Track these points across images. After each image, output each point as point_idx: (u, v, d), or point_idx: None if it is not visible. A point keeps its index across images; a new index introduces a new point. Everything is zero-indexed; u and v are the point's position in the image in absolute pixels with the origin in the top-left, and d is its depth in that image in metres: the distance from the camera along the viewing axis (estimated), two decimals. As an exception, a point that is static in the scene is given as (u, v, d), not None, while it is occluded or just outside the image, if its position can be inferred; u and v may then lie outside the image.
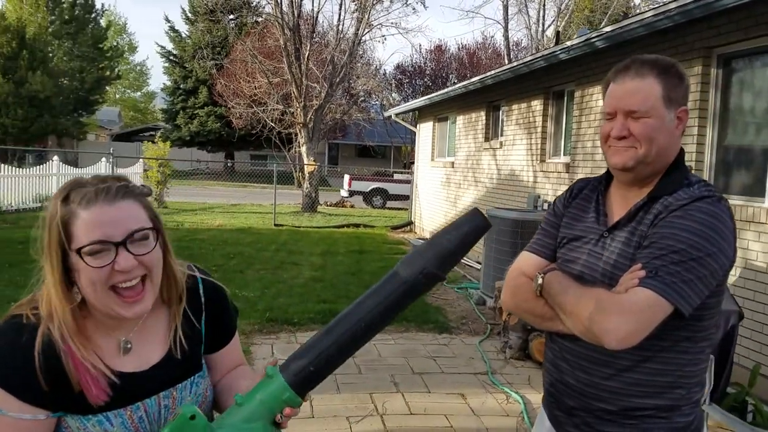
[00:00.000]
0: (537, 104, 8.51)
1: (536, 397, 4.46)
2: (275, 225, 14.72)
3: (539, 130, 8.43)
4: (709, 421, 3.46)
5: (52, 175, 16.49)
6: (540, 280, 1.58)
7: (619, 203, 1.60)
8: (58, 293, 1.18)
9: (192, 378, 1.33)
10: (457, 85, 10.99)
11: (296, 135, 20.16)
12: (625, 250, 1.51)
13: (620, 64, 1.56)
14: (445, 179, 12.41)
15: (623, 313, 1.36)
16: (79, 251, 1.14)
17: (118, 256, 1.15)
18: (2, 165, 15.27)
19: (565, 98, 8.05)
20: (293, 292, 7.44)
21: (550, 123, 8.36)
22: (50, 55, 31.39)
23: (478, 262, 9.43)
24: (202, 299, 1.37)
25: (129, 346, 1.26)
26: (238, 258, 9.69)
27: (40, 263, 1.22)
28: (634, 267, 1.43)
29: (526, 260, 1.71)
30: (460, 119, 11.60)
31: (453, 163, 11.92)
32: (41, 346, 1.15)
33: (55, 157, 17.01)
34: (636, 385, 1.50)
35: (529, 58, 8.06)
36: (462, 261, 10.33)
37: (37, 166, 17.13)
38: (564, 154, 8.01)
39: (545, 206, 7.91)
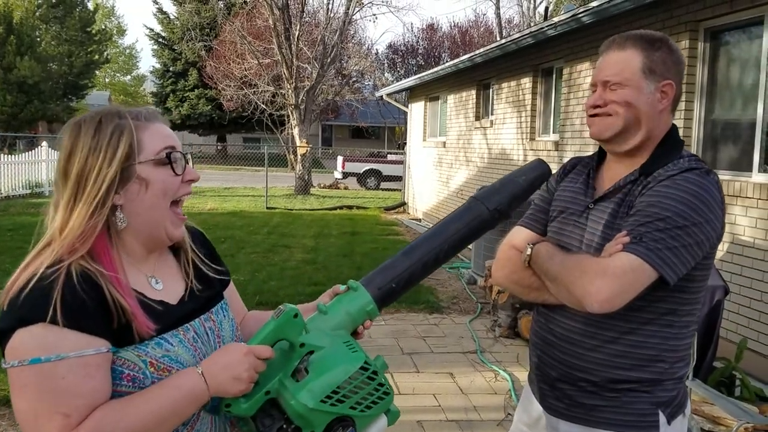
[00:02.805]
0: (526, 82, 8.45)
1: (524, 375, 4.46)
2: (267, 208, 14.68)
3: (528, 107, 8.38)
4: (693, 397, 3.48)
5: (42, 161, 16.39)
6: (529, 251, 1.60)
7: (609, 177, 1.61)
8: (98, 219, 1.13)
9: (220, 303, 1.34)
10: (447, 64, 10.90)
11: (288, 117, 20.05)
12: (611, 221, 1.52)
13: (609, 39, 1.58)
14: (437, 159, 12.36)
15: (605, 276, 1.37)
16: (168, 156, 1.17)
17: (187, 166, 1.22)
18: (-9, 152, 15.16)
19: (554, 75, 7.98)
20: (284, 275, 7.43)
21: (539, 100, 8.31)
22: (38, 39, 31.00)
23: (470, 242, 9.44)
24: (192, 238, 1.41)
25: (158, 281, 1.24)
26: (229, 242, 9.67)
27: (53, 200, 1.16)
28: (619, 234, 1.44)
29: (518, 234, 1.74)
30: (451, 98, 11.53)
31: (444, 143, 11.87)
32: (77, 278, 1.08)
33: (44, 143, 16.88)
34: (619, 357, 1.51)
35: (516, 35, 7.99)
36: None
37: (27, 153, 17.01)
38: (553, 132, 7.97)
39: (535, 184, 7.89)
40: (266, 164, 15.75)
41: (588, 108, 1.56)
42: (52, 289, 1.05)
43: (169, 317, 1.19)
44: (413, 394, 4.13)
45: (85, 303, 1.07)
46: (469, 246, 9.10)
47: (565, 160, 7.31)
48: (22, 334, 1.03)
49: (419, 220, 13.21)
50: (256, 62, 20.26)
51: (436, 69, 11.61)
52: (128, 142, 1.14)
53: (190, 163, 1.25)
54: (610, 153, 1.62)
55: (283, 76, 18.50)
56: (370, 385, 1.16)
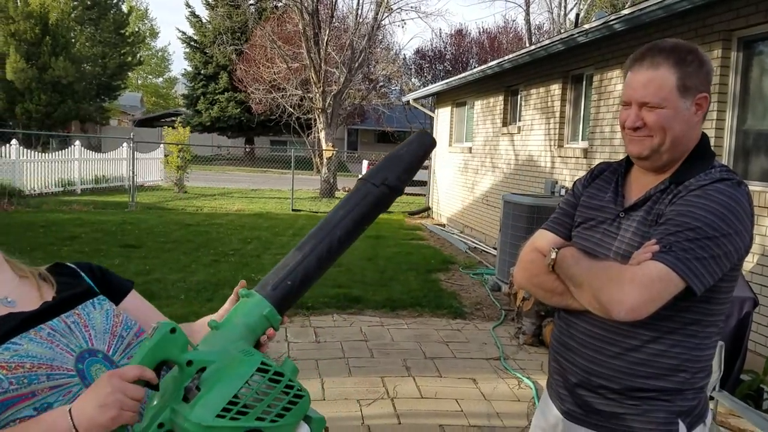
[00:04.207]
0: (555, 88, 8.41)
1: (548, 383, 4.45)
2: (293, 210, 14.79)
3: (557, 114, 8.34)
4: (720, 408, 3.43)
5: (75, 160, 16.73)
6: (553, 255, 1.59)
7: (639, 185, 1.61)
8: None
9: (91, 300, 1.32)
10: (475, 70, 10.89)
11: (315, 120, 20.20)
12: (640, 229, 1.52)
13: (637, 52, 1.56)
14: (463, 165, 12.35)
15: (633, 283, 1.37)
16: None
17: None
18: (26, 150, 15.53)
19: (584, 82, 7.94)
20: (309, 277, 7.48)
21: (568, 107, 8.27)
22: (73, 40, 31.71)
23: (495, 248, 9.39)
24: (72, 266, 1.42)
25: (10, 300, 1.24)
26: (255, 242, 9.77)
27: None
28: (648, 242, 1.44)
29: (542, 237, 1.74)
30: (478, 104, 11.52)
31: (471, 148, 11.86)
32: None
33: (77, 142, 17.24)
34: (640, 365, 1.50)
35: (547, 42, 7.96)
36: (478, 247, 10.26)
37: (60, 151, 17.39)
38: (582, 139, 7.92)
39: (562, 192, 7.84)
40: (293, 167, 15.88)
41: (627, 130, 1.55)
42: None
43: (14, 320, 1.18)
44: (435, 399, 4.14)
45: None
46: (494, 252, 9.03)
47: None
48: None
49: (443, 226, 13.19)
50: (285, 66, 20.45)
51: (464, 74, 11.61)
52: None
53: None
54: (643, 168, 1.61)
55: (311, 80, 18.65)
56: (276, 389, 1.00)
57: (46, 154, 17.11)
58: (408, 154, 1.24)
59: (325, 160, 18.48)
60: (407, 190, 17.87)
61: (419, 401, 4.09)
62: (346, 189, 21.94)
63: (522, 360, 4.93)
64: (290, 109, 22.48)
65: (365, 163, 23.53)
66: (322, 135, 18.90)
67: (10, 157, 14.49)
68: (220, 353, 1.02)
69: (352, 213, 1.18)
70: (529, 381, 4.45)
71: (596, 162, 7.13)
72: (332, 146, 18.62)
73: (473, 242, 10.76)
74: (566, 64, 8.07)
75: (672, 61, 1.49)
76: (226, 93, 33.51)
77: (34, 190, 15.02)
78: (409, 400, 4.08)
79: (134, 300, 1.44)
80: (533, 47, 8.35)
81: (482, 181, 11.14)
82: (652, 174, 1.58)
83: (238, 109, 33.02)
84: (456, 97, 13.01)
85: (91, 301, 1.32)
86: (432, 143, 1.28)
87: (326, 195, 18.21)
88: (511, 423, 3.83)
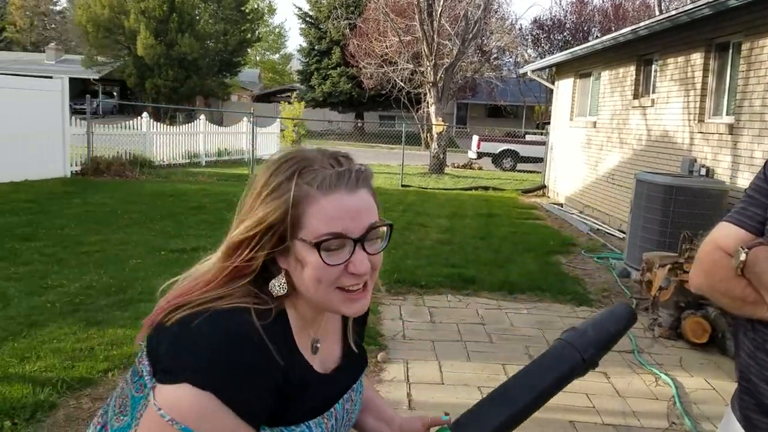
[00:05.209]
0: (696, 57, 7.65)
1: (690, 381, 4.04)
2: (402, 186, 14.72)
3: (698, 86, 7.59)
4: None
5: (199, 133, 17.57)
6: (743, 256, 1.28)
7: None
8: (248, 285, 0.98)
9: (360, 379, 1.18)
10: (605, 38, 10.18)
11: (425, 95, 19.96)
12: None
13: None
14: (586, 141, 11.67)
15: None
16: (318, 245, 0.94)
17: (354, 255, 0.96)
18: (156, 123, 16.47)
19: (731, 51, 7.15)
20: (420, 255, 7.34)
21: (711, 78, 7.50)
22: (197, 18, 33.25)
23: (621, 231, 8.80)
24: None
25: (318, 345, 1.08)
26: (368, 217, 9.75)
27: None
28: None
29: (725, 232, 1.40)
30: (605, 75, 10.78)
31: (595, 123, 11.16)
32: (266, 354, 0.93)
33: (202, 116, 18.08)
34: None
35: (690, 6, 7.22)
36: (602, 229, 9.67)
37: (186, 125, 18.32)
38: (727, 114, 7.16)
39: (702, 171, 7.15)
40: (403, 142, 15.78)
41: None
42: (234, 359, 0.90)
43: (318, 397, 1.03)
44: (564, 392, 3.79)
45: (262, 391, 0.92)
46: (620, 235, 8.46)
47: (741, 145, 6.53)
48: (192, 396, 0.89)
49: (561, 205, 12.60)
50: (397, 39, 20.29)
51: (591, 43, 10.91)
52: (283, 210, 0.94)
53: (379, 245, 1.01)
54: None
55: (423, 53, 18.37)
56: None
57: (174, 128, 18.06)
58: (616, 335, 1.23)
59: (434, 135, 18.22)
60: (519, 167, 17.32)
61: (545, 393, 3.83)
62: (456, 165, 21.59)
63: (658, 354, 4.52)
64: (401, 83, 22.33)
65: (475, 138, 23.00)
66: (432, 109, 18.62)
67: (141, 129, 15.42)
68: None
69: (557, 381, 1.20)
70: (668, 378, 4.05)
71: (744, 139, 6.43)
72: (442, 121, 18.31)
73: (595, 223, 10.17)
74: (711, 30, 7.30)
75: None
76: (338, 68, 33.97)
77: (163, 161, 15.91)
78: (535, 391, 3.84)
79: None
80: (674, 12, 7.62)
81: (608, 158, 10.47)
82: None
83: (349, 84, 33.39)
84: (579, 67, 12.28)
85: (360, 380, 1.17)
86: (635, 320, 1.28)
87: (435, 171, 17.97)
88: (650, 424, 3.50)
